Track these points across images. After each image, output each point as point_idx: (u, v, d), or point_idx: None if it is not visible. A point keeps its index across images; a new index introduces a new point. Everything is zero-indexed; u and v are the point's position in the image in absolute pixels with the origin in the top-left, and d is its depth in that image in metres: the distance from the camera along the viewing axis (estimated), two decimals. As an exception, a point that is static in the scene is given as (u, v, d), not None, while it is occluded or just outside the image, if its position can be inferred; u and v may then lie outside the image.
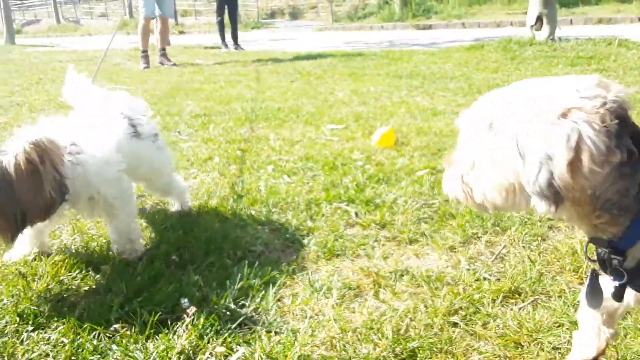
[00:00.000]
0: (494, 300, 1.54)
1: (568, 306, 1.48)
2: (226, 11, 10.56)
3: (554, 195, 0.84)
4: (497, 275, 1.69)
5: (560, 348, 1.34)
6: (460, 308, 1.51)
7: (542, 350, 1.33)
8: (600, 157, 0.80)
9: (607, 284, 1.01)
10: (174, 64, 8.37)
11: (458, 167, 1.05)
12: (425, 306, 1.52)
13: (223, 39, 10.66)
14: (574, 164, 0.81)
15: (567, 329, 1.39)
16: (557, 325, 1.42)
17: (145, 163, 2.03)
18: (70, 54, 12.16)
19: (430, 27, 14.17)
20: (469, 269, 1.72)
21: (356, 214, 2.21)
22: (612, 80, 0.92)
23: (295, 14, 22.80)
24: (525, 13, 8.41)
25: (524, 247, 1.86)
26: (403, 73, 6.04)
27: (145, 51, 8.35)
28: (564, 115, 0.83)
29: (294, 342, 1.37)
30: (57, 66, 9.25)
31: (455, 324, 1.45)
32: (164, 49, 8.62)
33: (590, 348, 1.20)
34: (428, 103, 4.37)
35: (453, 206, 2.19)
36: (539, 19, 7.63)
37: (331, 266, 1.81)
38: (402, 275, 1.70)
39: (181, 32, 19.21)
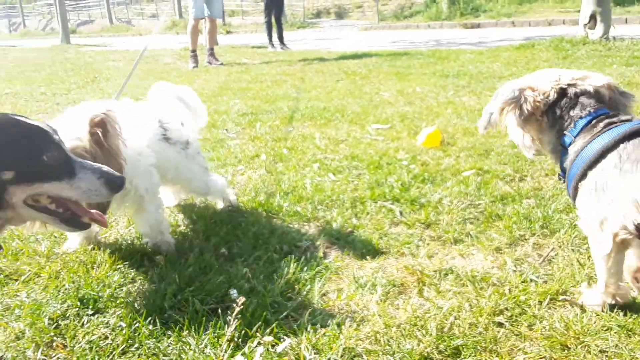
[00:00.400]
0: (540, 302, 1.53)
1: (617, 310, 1.46)
2: (273, 11, 10.69)
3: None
4: (545, 277, 1.67)
5: (607, 351, 1.32)
6: (506, 309, 1.51)
7: (589, 353, 1.32)
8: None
9: None
10: (222, 64, 8.56)
11: None
12: (470, 305, 1.52)
13: (270, 38, 10.80)
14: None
15: (615, 332, 1.38)
16: (605, 329, 1.40)
17: (172, 168, 2.04)
18: (122, 53, 12.55)
19: (478, 25, 13.93)
20: (515, 271, 1.71)
21: (401, 213, 2.22)
22: (597, 74, 1.58)
23: (341, 14, 22.84)
24: (578, 11, 8.16)
25: (572, 250, 1.83)
26: (450, 72, 5.98)
27: (194, 51, 8.57)
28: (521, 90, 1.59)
29: (339, 335, 1.40)
30: (110, 65, 9.59)
31: (500, 324, 1.45)
32: (212, 49, 8.82)
33: None
34: (475, 103, 4.32)
35: (500, 207, 2.18)
36: (593, 17, 7.40)
37: (375, 263, 1.83)
38: (446, 275, 1.71)
39: (228, 32, 19.55)
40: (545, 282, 1.65)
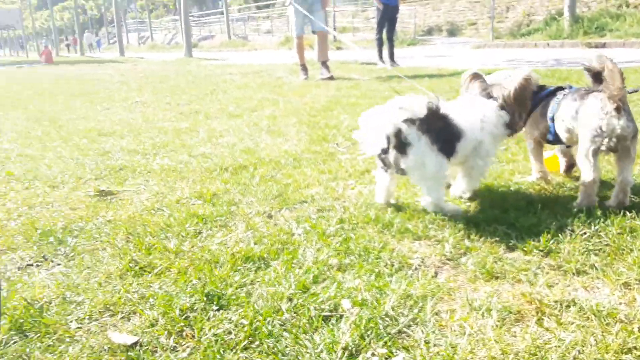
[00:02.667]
0: (674, 345, 1.42)
1: None
2: (385, 28, 10.78)
3: None
4: (680, 318, 1.55)
5: None
6: (635, 347, 1.41)
7: None
8: None
9: None
10: (332, 77, 8.80)
11: None
12: (595, 340, 1.45)
13: (380, 56, 10.90)
14: None
15: None
16: None
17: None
18: (238, 67, 13.24)
19: (603, 45, 13.11)
20: (645, 308, 1.60)
21: (517, 238, 2.16)
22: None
23: (453, 31, 22.50)
24: None
25: None
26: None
27: (303, 64, 8.98)
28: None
29: (454, 356, 1.39)
30: (227, 78, 10.16)
31: (627, 363, 1.36)
32: (324, 62, 9.10)
33: None
34: (598, 128, 4.07)
35: (629, 240, 2.04)
36: None
37: (490, 287, 1.79)
38: (568, 306, 1.63)
39: (338, 48, 19.95)
40: (681, 324, 1.53)
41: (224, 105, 6.48)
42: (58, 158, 3.91)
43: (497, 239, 2.17)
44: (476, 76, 2.72)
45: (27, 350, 1.46)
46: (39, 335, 1.53)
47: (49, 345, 1.48)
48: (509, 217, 2.33)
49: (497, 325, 1.55)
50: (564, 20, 15.69)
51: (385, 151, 2.34)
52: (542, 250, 2.04)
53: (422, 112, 2.28)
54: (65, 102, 7.57)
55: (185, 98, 7.47)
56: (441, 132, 2.33)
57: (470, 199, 2.62)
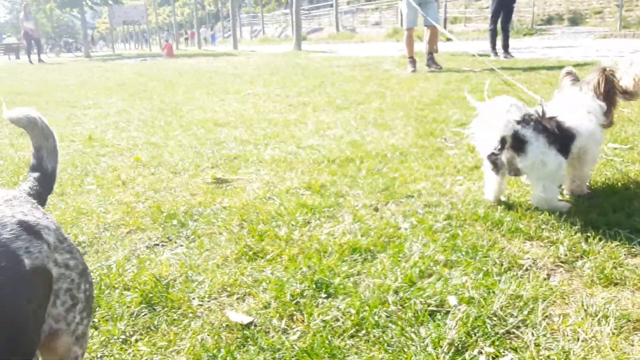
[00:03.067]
0: None
1: None
2: (500, 18, 10.34)
3: None
4: None
5: None
6: None
7: None
8: None
9: None
10: (440, 68, 8.68)
11: None
12: None
13: (494, 46, 10.48)
14: None
15: None
16: None
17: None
18: (345, 59, 13.35)
19: None
20: None
21: (640, 244, 2.02)
22: None
23: (575, 20, 21.05)
24: None
25: None
26: None
27: (411, 57, 8.89)
28: None
29: (565, 361, 1.35)
30: (335, 71, 10.29)
31: None
32: (431, 54, 8.99)
33: None
34: None
35: None
36: None
37: (608, 294, 1.70)
38: (696, 320, 1.52)
39: (448, 40, 19.43)
40: None
41: (332, 98, 6.59)
42: (179, 146, 4.21)
43: (618, 243, 2.04)
44: (568, 73, 2.71)
45: (155, 322, 1.62)
46: (165, 309, 1.68)
47: (174, 319, 1.63)
48: (633, 222, 2.19)
49: (613, 333, 1.48)
50: None
51: (496, 153, 2.32)
52: (670, 258, 1.89)
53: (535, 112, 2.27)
54: (184, 93, 8.09)
55: (294, 90, 7.68)
56: (557, 132, 2.28)
57: (591, 200, 2.49)
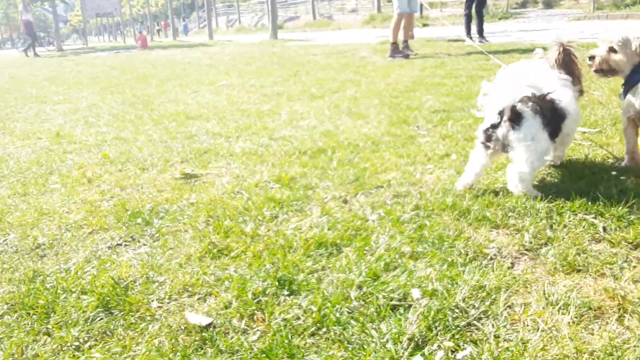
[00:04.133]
0: None
1: None
2: (474, 3, 10.35)
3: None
4: None
5: None
6: None
7: None
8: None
9: None
10: (416, 54, 8.76)
11: None
12: (683, 343, 1.34)
13: (468, 31, 10.49)
14: None
15: None
16: None
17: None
18: (322, 47, 13.26)
19: None
20: None
21: (604, 229, 2.03)
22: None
23: (549, 2, 21.18)
24: None
25: None
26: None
27: (394, 43, 8.89)
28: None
29: (523, 352, 1.35)
30: (311, 59, 10.21)
31: None
32: (406, 41, 9.03)
33: None
34: None
35: None
36: None
37: (570, 281, 1.71)
38: (656, 304, 1.52)
39: (425, 25, 19.43)
40: None
41: (307, 87, 6.54)
42: (149, 141, 4.14)
43: (582, 229, 2.05)
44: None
45: (111, 327, 1.58)
46: (122, 313, 1.64)
47: (131, 323, 1.59)
48: (597, 206, 2.20)
49: (573, 322, 1.48)
50: (676, -14, 14.31)
51: (495, 126, 2.38)
52: (631, 243, 1.91)
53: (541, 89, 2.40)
54: (157, 85, 7.97)
55: (269, 80, 7.61)
56: (551, 114, 2.38)
57: (558, 185, 2.49)
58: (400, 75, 6.89)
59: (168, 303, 1.69)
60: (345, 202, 2.53)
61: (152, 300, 1.70)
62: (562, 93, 2.44)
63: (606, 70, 2.64)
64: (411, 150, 3.29)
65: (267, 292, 1.69)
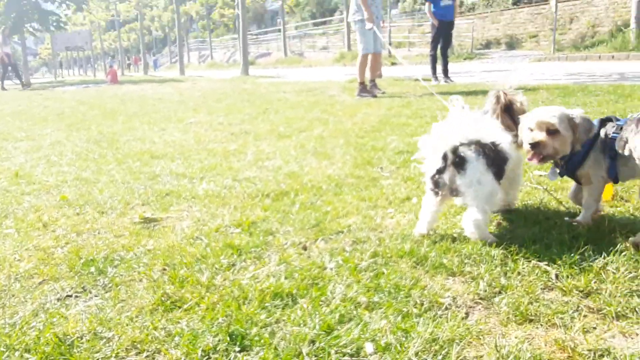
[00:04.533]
0: None
1: None
2: (440, 44, 10.67)
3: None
4: None
5: None
6: (674, 410, 1.31)
7: None
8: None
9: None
10: (383, 92, 8.97)
11: None
12: (628, 400, 1.36)
13: (434, 72, 10.79)
14: None
15: None
16: None
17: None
18: (292, 84, 13.42)
19: (672, 57, 12.44)
20: (690, 363, 1.49)
21: (557, 276, 2.06)
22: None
23: (512, 44, 21.95)
24: None
25: None
26: (633, 112, 5.40)
27: (362, 82, 9.07)
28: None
29: (473, 411, 1.34)
30: (281, 97, 10.31)
31: None
32: (373, 80, 9.23)
33: None
34: (659, 151, 3.85)
35: (677, 282, 1.91)
36: None
37: (522, 332, 1.72)
38: (602, 356, 1.54)
39: (393, 64, 19.88)
40: None
41: (275, 126, 6.58)
42: (110, 182, 4.08)
43: (536, 276, 2.08)
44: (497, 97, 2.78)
45: (56, 386, 1.52)
46: (67, 372, 1.59)
47: (76, 383, 1.53)
48: (551, 253, 2.24)
49: (524, 378, 1.48)
50: (631, 31, 15.01)
51: (440, 171, 2.41)
52: (582, 291, 1.94)
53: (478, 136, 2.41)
54: (124, 122, 7.90)
55: (238, 118, 7.63)
56: (494, 155, 2.40)
57: (512, 231, 2.53)
58: (367, 114, 6.99)
59: (114, 362, 1.64)
60: (305, 248, 2.52)
61: (98, 359, 1.64)
62: (501, 136, 2.47)
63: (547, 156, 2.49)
64: (373, 193, 3.31)
65: (217, 349, 1.65)
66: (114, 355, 1.66)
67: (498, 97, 2.66)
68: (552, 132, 2.38)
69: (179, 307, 1.95)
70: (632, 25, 14.97)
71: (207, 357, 1.62)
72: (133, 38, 58.56)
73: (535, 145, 2.41)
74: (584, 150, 2.44)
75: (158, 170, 4.44)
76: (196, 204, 3.36)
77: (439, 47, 10.69)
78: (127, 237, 2.78)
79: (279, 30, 34.95)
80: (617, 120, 2.45)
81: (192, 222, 3.01)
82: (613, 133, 2.38)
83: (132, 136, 6.50)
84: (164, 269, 2.32)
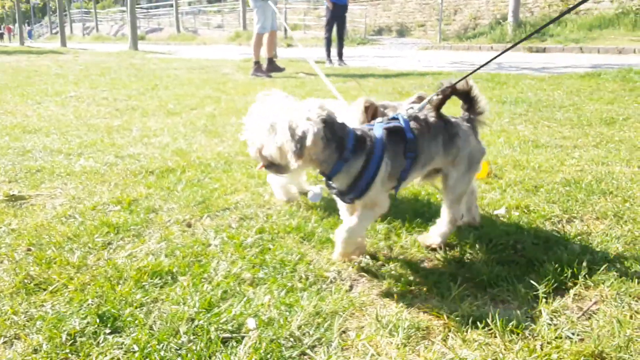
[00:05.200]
0: (574, 363, 1.42)
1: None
2: (335, 27, 10.77)
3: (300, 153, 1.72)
4: (581, 334, 1.55)
5: None
6: (534, 367, 1.40)
7: None
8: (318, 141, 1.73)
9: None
10: (283, 69, 8.96)
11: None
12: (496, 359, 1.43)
13: (329, 54, 10.88)
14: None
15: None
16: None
17: None
18: (185, 62, 12.91)
19: (544, 50, 13.54)
20: (550, 324, 1.60)
21: (434, 249, 2.14)
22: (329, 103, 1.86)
23: (402, 32, 22.75)
24: (651, 41, 7.78)
25: (616, 306, 1.70)
26: (507, 99, 5.81)
27: (257, 62, 8.93)
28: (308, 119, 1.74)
29: (352, 381, 1.34)
30: (172, 73, 9.88)
31: (526, 384, 1.35)
32: (271, 59, 9.14)
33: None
34: (530, 133, 4.16)
35: (542, 251, 2.06)
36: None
37: (402, 302, 1.76)
38: (475, 322, 1.61)
39: (289, 45, 19.83)
40: (582, 339, 1.53)
41: (164, 102, 6.28)
42: (-28, 158, 3.66)
43: (417, 248, 2.15)
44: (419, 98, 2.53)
45: None
46: None
47: None
48: (431, 225, 2.31)
49: (402, 344, 1.51)
50: (508, 24, 16.13)
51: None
52: (458, 262, 2.02)
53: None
54: (-7, 95, 7.16)
55: (124, 93, 7.19)
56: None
57: (396, 207, 2.60)
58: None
59: (-37, 351, 1.45)
60: (189, 225, 2.41)
61: (-58, 349, 1.45)
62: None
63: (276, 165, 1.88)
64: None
65: (85, 332, 1.52)
66: (-39, 344, 1.48)
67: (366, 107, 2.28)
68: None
69: (44, 290, 1.78)
70: (510, 18, 16.10)
71: (72, 340, 1.48)
72: (8, 5, 53.27)
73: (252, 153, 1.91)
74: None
75: (29, 145, 4.05)
76: (72, 181, 3.11)
77: (334, 30, 10.80)
78: (-12, 217, 2.50)
79: (171, 5, 33.48)
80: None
81: (66, 199, 2.77)
82: None
83: (1, 109, 5.90)
84: (29, 250, 2.11)
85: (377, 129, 1.91)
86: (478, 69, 2.14)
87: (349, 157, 1.83)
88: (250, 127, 2.05)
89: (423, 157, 1.98)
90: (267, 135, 1.81)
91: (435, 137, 2.01)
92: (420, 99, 2.23)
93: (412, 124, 1.97)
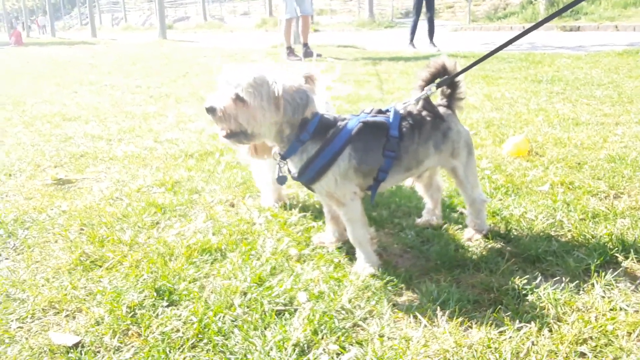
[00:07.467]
0: (629, 334, 1.41)
1: None
2: (425, 10, 10.57)
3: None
4: (636, 306, 1.54)
5: None
6: (590, 338, 1.39)
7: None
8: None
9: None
10: (319, 55, 8.89)
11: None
12: (550, 331, 1.42)
13: (412, 38, 10.75)
14: None
15: None
16: None
17: None
18: (213, 50, 12.98)
19: (578, 29, 13.16)
20: (603, 297, 1.58)
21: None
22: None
23: (430, 14, 22.37)
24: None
25: (671, 279, 1.67)
26: (543, 78, 5.69)
27: (289, 47, 8.97)
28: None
29: (406, 350, 1.36)
30: (201, 61, 9.95)
31: (582, 354, 1.34)
32: (306, 44, 9.14)
33: None
34: (569, 111, 4.08)
35: (591, 226, 2.03)
36: None
37: (450, 277, 1.76)
38: (526, 295, 1.61)
39: (316, 30, 19.73)
40: (637, 311, 1.52)
41: (196, 89, 6.35)
42: (18, 144, 3.78)
43: (461, 226, 2.14)
44: None
45: (-37, 352, 1.39)
46: (-24, 336, 1.45)
47: (-14, 347, 1.41)
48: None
49: (453, 316, 1.52)
50: (540, 3, 15.73)
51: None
52: (504, 238, 2.01)
53: None
54: (31, 84, 7.34)
55: (156, 81, 7.29)
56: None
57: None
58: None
59: (30, 323, 1.52)
60: (232, 205, 2.45)
61: (12, 321, 1.52)
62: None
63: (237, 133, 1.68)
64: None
65: (144, 305, 1.57)
66: (29, 316, 1.54)
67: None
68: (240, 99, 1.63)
69: (100, 266, 1.84)
70: (542, -3, 15.71)
71: (132, 313, 1.53)
72: (38, -3, 54.25)
73: (211, 110, 1.65)
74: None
75: (71, 132, 4.16)
76: (115, 165, 3.18)
77: (421, 12, 10.65)
78: (39, 199, 2.59)
79: (198, -6, 33.63)
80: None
81: (111, 183, 2.85)
82: None
83: (40, 99, 6.05)
84: (82, 229, 2.18)
85: (353, 121, 1.77)
86: (497, 50, 1.98)
87: (306, 139, 1.71)
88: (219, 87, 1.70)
89: (407, 159, 1.82)
90: (235, 89, 1.60)
91: (426, 141, 1.85)
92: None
93: (404, 122, 1.82)
